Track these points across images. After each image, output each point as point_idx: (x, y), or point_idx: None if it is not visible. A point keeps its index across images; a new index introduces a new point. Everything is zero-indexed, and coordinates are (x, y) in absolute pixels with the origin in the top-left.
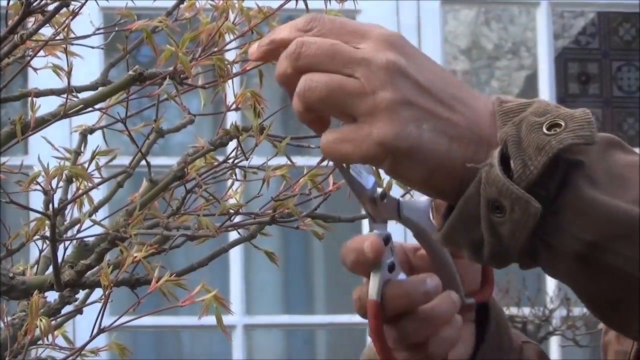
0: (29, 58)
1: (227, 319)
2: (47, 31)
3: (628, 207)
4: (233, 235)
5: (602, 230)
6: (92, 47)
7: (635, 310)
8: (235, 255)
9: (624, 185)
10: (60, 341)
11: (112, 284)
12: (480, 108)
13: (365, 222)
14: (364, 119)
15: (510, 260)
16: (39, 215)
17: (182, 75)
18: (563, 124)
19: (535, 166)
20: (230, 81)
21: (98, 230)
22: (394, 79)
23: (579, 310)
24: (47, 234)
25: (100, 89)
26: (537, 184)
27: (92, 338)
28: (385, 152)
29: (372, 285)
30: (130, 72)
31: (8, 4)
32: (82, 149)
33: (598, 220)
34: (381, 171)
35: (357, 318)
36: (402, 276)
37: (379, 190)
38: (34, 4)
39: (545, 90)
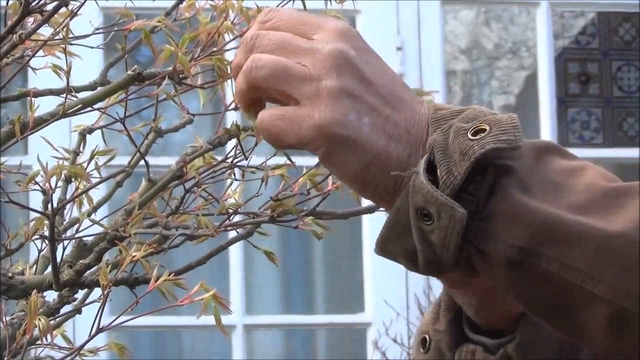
0: (27, 58)
1: (227, 319)
2: (46, 31)
3: (560, 213)
4: (232, 235)
5: (532, 236)
6: (91, 47)
7: (582, 315)
8: (235, 256)
9: (557, 192)
10: (60, 341)
11: (110, 284)
12: (422, 112)
13: (365, 221)
14: (307, 102)
15: (445, 268)
16: (38, 215)
17: (181, 75)
18: (488, 128)
19: (459, 172)
20: (229, 81)
21: (97, 229)
22: (340, 67)
23: None
24: (46, 233)
25: (99, 88)
26: (464, 190)
27: (90, 337)
28: (323, 138)
29: None
30: (129, 72)
31: (7, 3)
32: (81, 148)
33: (528, 226)
34: None
35: (357, 318)
36: None
37: None
38: (33, 4)
39: (545, 90)
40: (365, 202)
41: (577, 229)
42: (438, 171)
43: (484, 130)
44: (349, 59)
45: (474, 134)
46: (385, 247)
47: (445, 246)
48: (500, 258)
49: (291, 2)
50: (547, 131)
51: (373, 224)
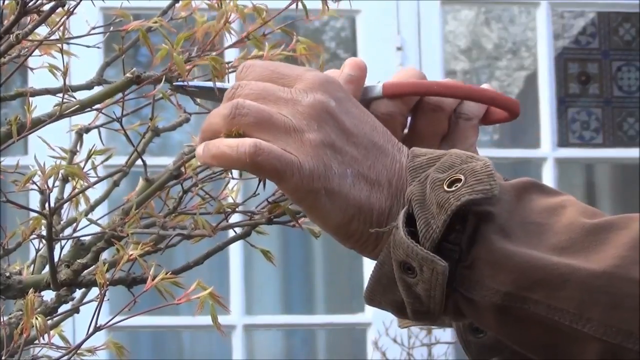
0: (24, 58)
1: (227, 319)
2: (43, 31)
3: (543, 255)
4: (231, 234)
5: (516, 281)
6: (88, 47)
7: (574, 354)
8: (235, 256)
9: (539, 233)
10: (57, 340)
11: (108, 283)
12: (402, 161)
13: None
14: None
15: (435, 316)
16: (35, 214)
17: (177, 75)
18: (463, 178)
19: (437, 225)
20: (226, 80)
21: (94, 229)
22: (321, 119)
23: None
24: (44, 233)
25: (97, 90)
26: (446, 239)
27: (88, 336)
28: (306, 190)
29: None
30: (128, 75)
31: (3, 3)
32: (78, 148)
33: (511, 272)
34: None
35: (357, 318)
36: None
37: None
38: (30, 4)
39: (545, 90)
40: None
41: (560, 271)
42: (417, 224)
43: (459, 180)
44: (330, 110)
45: (450, 185)
46: (373, 299)
47: (431, 297)
48: (487, 304)
49: (288, 1)
50: (547, 131)
51: None
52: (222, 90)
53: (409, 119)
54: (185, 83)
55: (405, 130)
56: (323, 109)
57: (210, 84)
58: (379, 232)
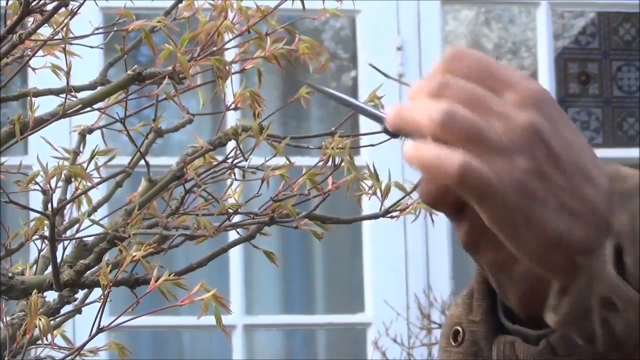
0: (27, 58)
1: (227, 319)
2: (46, 31)
3: None
4: (233, 235)
5: None
6: (91, 47)
7: None
8: (235, 256)
9: None
10: (60, 341)
11: (111, 284)
12: (604, 186)
13: (365, 222)
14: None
15: (627, 353)
16: (38, 215)
17: (180, 75)
18: None
19: None
20: (229, 81)
21: (97, 230)
22: (534, 144)
23: None
24: (46, 233)
25: (99, 88)
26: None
27: (90, 338)
28: (507, 217)
29: None
30: (129, 72)
31: (7, 3)
32: (80, 148)
33: None
34: None
35: (357, 318)
36: None
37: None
38: (33, 4)
39: None
40: (366, 208)
41: None
42: (625, 258)
43: None
44: (543, 134)
45: None
46: (564, 331)
47: (629, 337)
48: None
49: (290, 1)
50: None
51: (373, 225)
52: (374, 115)
53: None
54: (325, 89)
55: None
56: (536, 132)
57: (352, 100)
58: (583, 262)
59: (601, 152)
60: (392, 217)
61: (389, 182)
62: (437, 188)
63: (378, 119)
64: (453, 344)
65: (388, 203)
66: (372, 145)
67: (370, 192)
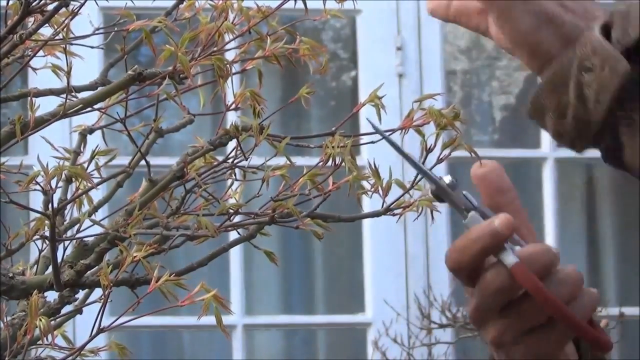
0: (28, 58)
1: (227, 319)
2: (46, 31)
3: None
4: (233, 235)
5: None
6: (92, 47)
7: None
8: (235, 256)
9: None
10: (60, 341)
11: (111, 284)
12: None
13: (365, 222)
14: None
15: (591, 129)
16: (38, 215)
17: (181, 75)
18: None
19: (635, 33)
20: (230, 81)
21: (98, 230)
22: None
23: None
24: (47, 233)
25: (99, 88)
26: (636, 53)
27: (91, 338)
28: None
29: (511, 256)
30: (130, 72)
31: (7, 3)
32: (81, 149)
33: None
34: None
35: (357, 318)
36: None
37: (449, 178)
38: (33, 4)
39: None
40: (367, 207)
41: None
42: (612, 32)
43: None
44: None
45: None
46: (537, 101)
47: (598, 101)
48: None
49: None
50: None
51: (373, 225)
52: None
53: None
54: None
55: None
56: None
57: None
58: (564, 44)
59: None
60: (393, 214)
61: (390, 179)
62: (465, 261)
63: (432, 182)
64: None
65: (389, 201)
66: (372, 142)
67: (372, 190)
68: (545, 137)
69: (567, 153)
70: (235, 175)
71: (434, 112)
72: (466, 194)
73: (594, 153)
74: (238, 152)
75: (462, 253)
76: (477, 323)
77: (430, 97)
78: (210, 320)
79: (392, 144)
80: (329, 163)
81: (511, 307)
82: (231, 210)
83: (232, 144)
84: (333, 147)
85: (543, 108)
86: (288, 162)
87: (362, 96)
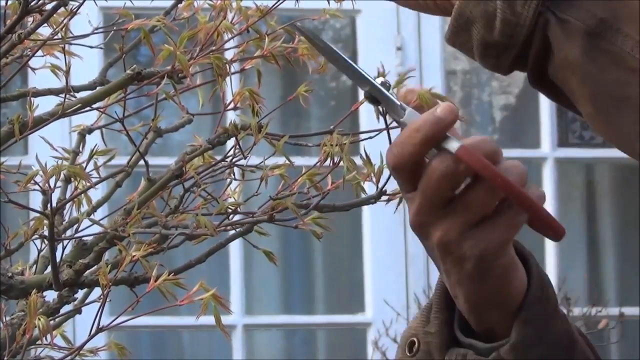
0: (27, 58)
1: (227, 319)
2: (45, 31)
3: None
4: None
5: (614, 9)
6: (91, 47)
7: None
8: (235, 255)
9: None
10: (59, 341)
11: (110, 283)
12: None
13: (365, 222)
14: None
15: (520, 33)
16: (37, 214)
17: (180, 74)
18: None
19: None
20: (228, 80)
21: (96, 229)
22: None
23: (579, 310)
24: (46, 233)
25: (98, 88)
26: None
27: (90, 337)
28: None
29: (455, 142)
30: (128, 71)
31: (6, 3)
32: (80, 148)
33: None
34: None
35: (357, 318)
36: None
37: (382, 79)
38: (32, 4)
39: None
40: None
41: None
42: None
43: None
44: None
45: None
46: (464, 9)
47: (527, 2)
48: (579, 27)
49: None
50: (547, 131)
51: (373, 225)
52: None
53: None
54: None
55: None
56: None
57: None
58: None
59: (601, 152)
60: (388, 200)
61: (382, 164)
62: (408, 152)
63: (366, 83)
64: (408, 354)
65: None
66: (370, 137)
67: (366, 177)
68: (545, 137)
69: (567, 153)
70: (234, 174)
71: (423, 96)
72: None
73: (594, 153)
74: (237, 150)
75: (404, 145)
76: (420, 227)
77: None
78: (210, 320)
79: (316, 41)
80: (328, 162)
81: (455, 202)
82: (230, 209)
83: (232, 143)
84: (331, 145)
85: (469, 21)
86: (287, 162)
87: (362, 96)
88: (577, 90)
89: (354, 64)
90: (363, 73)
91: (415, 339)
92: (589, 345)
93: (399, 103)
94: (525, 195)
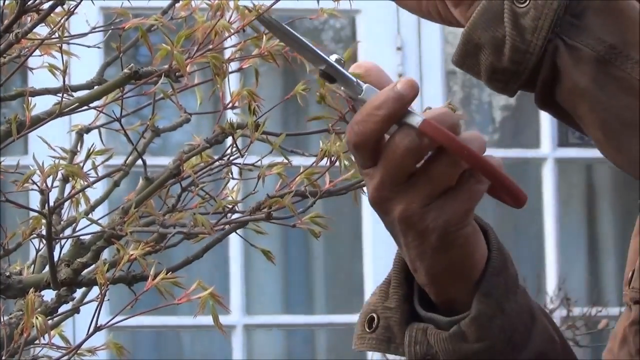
0: (24, 57)
1: (227, 319)
2: (43, 30)
3: None
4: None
5: (624, 35)
6: (88, 46)
7: None
8: (235, 255)
9: None
10: (58, 340)
11: (108, 282)
12: None
13: (365, 221)
14: None
15: (529, 60)
16: (35, 214)
17: (177, 74)
18: None
19: None
20: (227, 79)
21: (94, 228)
22: None
23: (579, 310)
24: (44, 232)
25: (96, 87)
26: None
27: (87, 337)
28: None
29: (417, 117)
30: (126, 70)
31: (4, 3)
32: (78, 148)
33: (622, 24)
34: None
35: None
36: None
37: (336, 56)
38: (29, 3)
39: None
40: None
41: None
42: None
43: None
44: None
45: None
46: (472, 35)
47: (537, 29)
48: (588, 54)
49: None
50: (547, 131)
51: (373, 224)
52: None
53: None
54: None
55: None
56: None
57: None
58: None
59: None
60: None
61: None
62: (370, 129)
63: (322, 61)
64: (367, 330)
65: None
66: None
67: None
68: (545, 137)
69: (567, 153)
70: (231, 173)
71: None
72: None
73: (594, 153)
74: (234, 149)
75: (366, 123)
76: (380, 203)
77: None
78: (209, 319)
79: (276, 27)
80: (326, 161)
81: (417, 176)
82: (227, 208)
83: (229, 142)
84: (329, 144)
85: (477, 47)
86: (285, 161)
87: None
88: (586, 116)
89: (309, 44)
90: (318, 52)
91: (374, 315)
92: (551, 324)
93: (355, 80)
94: (490, 163)
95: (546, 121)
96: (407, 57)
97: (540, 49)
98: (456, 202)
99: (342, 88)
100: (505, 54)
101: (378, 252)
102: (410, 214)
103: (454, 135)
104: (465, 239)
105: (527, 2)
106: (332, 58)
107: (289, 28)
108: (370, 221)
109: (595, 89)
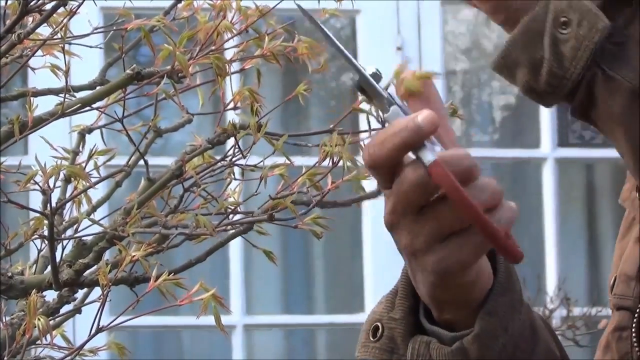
0: (26, 58)
1: (227, 319)
2: (45, 31)
3: None
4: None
5: None
6: (90, 47)
7: None
8: (235, 256)
9: None
10: (59, 341)
11: (110, 283)
12: None
13: (366, 221)
14: None
15: (567, 86)
16: (37, 214)
17: (179, 74)
18: None
19: None
20: (228, 80)
21: (96, 229)
22: None
23: (579, 310)
24: (46, 233)
25: (98, 88)
26: (605, 12)
27: (90, 337)
28: None
29: (430, 155)
30: (128, 71)
31: (6, 3)
32: (80, 148)
33: None
34: None
35: (357, 318)
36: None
37: (374, 68)
38: (32, 4)
39: None
40: (367, 206)
41: None
42: None
43: None
44: None
45: None
46: (509, 55)
47: (575, 58)
48: (625, 85)
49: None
50: (547, 131)
51: (374, 224)
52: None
53: None
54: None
55: None
56: None
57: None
58: None
59: (601, 152)
60: None
61: None
62: (384, 154)
63: (356, 72)
64: (372, 339)
65: None
66: (370, 137)
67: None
68: (545, 137)
69: (567, 153)
70: (233, 173)
71: (408, 85)
72: (391, 92)
73: (594, 153)
74: (236, 150)
75: (381, 146)
76: (392, 227)
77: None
78: (210, 320)
79: (318, 26)
80: (328, 162)
81: (426, 211)
82: (229, 209)
83: (231, 142)
84: (331, 145)
85: (515, 63)
86: (287, 161)
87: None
88: (621, 143)
89: (348, 54)
90: (355, 63)
91: (379, 324)
92: (553, 336)
93: (386, 96)
94: (487, 222)
95: (546, 121)
96: (407, 57)
97: (577, 76)
98: (459, 253)
99: (373, 101)
100: (542, 75)
101: (378, 252)
102: (414, 249)
103: (458, 186)
104: (465, 284)
105: (569, 30)
106: (370, 70)
107: (330, 34)
108: (371, 222)
109: (628, 119)
